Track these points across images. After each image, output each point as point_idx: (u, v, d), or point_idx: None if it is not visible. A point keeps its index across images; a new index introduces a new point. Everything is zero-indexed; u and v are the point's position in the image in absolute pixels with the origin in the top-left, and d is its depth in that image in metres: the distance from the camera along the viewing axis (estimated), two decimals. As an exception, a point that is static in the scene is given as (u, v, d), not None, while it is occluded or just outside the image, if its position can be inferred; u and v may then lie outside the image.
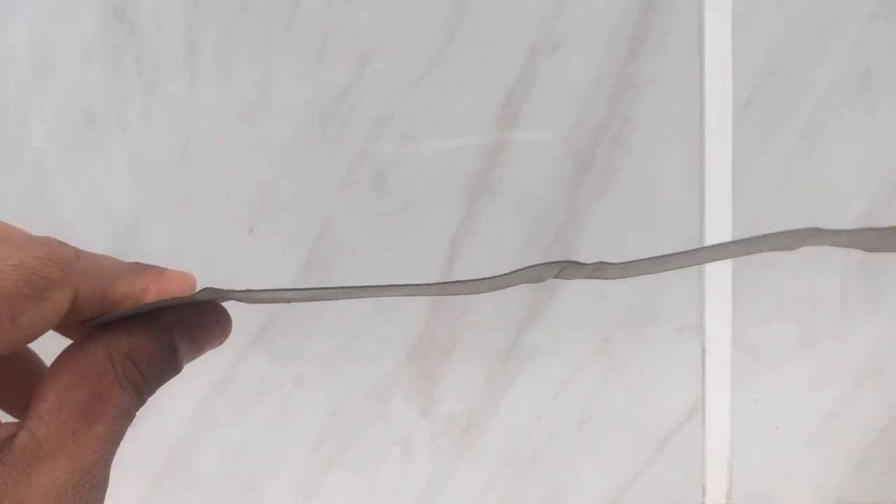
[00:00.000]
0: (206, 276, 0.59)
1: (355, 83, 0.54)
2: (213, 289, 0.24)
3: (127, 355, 0.22)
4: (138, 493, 0.56)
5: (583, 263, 0.23)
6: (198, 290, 0.24)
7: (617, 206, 0.56)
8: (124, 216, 0.54)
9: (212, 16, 0.53)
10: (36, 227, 0.57)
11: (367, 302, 0.56)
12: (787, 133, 0.57)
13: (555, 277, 0.24)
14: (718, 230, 0.57)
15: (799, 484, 0.61)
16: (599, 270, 0.23)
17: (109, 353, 0.22)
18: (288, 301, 0.27)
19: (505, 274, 0.23)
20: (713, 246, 0.23)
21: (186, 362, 0.24)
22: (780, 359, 0.59)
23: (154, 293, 0.23)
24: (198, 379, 0.56)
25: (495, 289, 0.24)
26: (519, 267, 0.23)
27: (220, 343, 0.25)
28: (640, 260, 0.23)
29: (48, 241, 0.21)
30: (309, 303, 0.56)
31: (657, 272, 0.24)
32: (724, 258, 0.24)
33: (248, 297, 0.24)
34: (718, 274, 0.58)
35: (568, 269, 0.23)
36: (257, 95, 0.53)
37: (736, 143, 0.56)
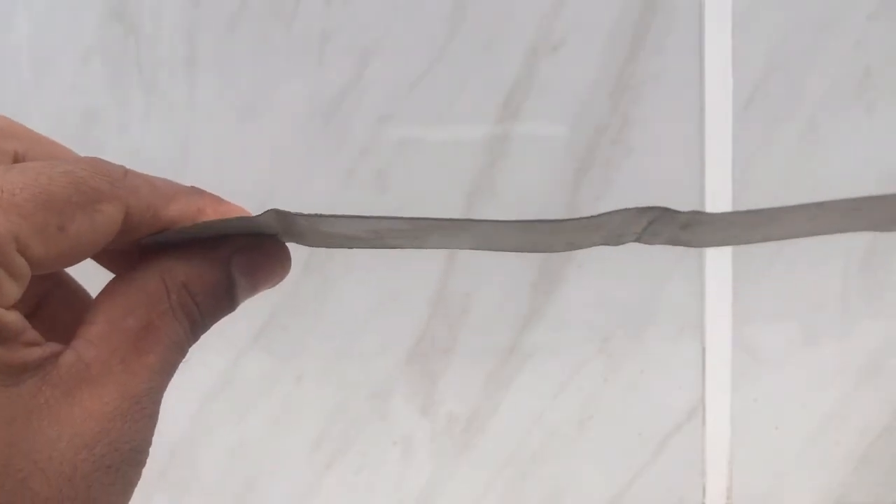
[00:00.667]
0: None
1: (355, 83, 0.54)
2: (278, 210, 0.22)
3: (183, 284, 0.20)
4: (138, 493, 0.56)
5: (677, 211, 0.20)
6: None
7: (617, 206, 0.56)
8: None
9: (212, 16, 0.53)
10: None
11: (367, 302, 0.56)
12: (787, 133, 0.57)
13: (636, 241, 0.21)
14: (718, 230, 0.57)
15: (799, 484, 0.61)
16: (690, 226, 0.20)
17: (164, 281, 0.20)
18: (356, 242, 0.24)
19: (586, 218, 0.20)
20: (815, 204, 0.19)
21: (242, 300, 0.23)
22: (780, 359, 0.59)
23: (211, 215, 0.21)
24: (198, 379, 0.56)
25: (572, 246, 0.21)
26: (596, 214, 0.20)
27: (279, 282, 0.24)
28: (739, 212, 0.20)
29: (95, 158, 0.20)
30: (308, 303, 0.56)
31: (756, 241, 0.21)
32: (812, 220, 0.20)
33: (315, 224, 0.22)
34: (718, 274, 0.58)
35: (659, 220, 0.20)
36: (257, 95, 0.53)
37: (736, 143, 0.56)
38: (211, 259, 0.21)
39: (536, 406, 0.59)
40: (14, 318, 0.18)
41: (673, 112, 0.55)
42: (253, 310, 0.57)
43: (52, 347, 0.18)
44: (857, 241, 0.58)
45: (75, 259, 0.19)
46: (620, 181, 0.56)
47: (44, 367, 0.18)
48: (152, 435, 0.21)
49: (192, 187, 0.22)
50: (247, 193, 0.54)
